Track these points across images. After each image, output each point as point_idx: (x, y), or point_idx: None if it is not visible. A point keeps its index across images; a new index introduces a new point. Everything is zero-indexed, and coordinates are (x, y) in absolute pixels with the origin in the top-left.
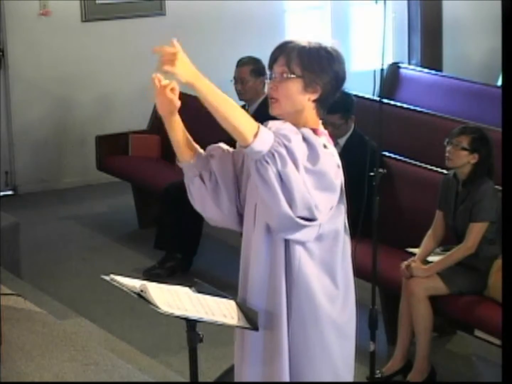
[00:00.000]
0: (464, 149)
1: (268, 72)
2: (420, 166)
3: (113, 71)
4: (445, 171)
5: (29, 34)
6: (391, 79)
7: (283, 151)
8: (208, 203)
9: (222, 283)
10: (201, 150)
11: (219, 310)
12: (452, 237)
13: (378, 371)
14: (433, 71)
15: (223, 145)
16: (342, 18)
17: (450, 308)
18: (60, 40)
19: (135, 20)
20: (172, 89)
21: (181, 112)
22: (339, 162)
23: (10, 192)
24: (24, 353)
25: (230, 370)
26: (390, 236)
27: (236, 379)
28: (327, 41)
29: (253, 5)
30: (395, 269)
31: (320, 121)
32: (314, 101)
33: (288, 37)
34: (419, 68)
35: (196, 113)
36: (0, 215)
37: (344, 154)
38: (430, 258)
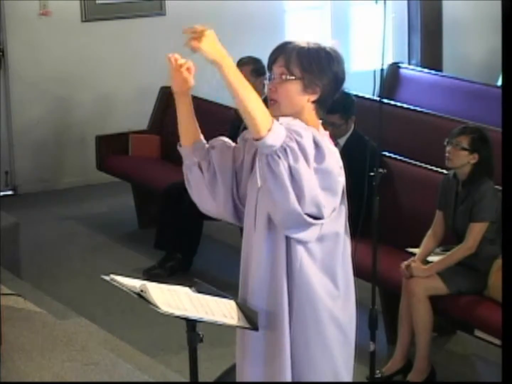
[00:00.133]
0: (464, 149)
1: (267, 73)
2: (420, 166)
3: (113, 71)
4: (445, 171)
5: (29, 34)
6: (391, 79)
7: (295, 146)
8: (204, 193)
9: (222, 283)
10: (204, 140)
11: (219, 310)
12: (452, 237)
13: (378, 371)
14: (433, 71)
15: (225, 139)
16: (342, 18)
17: (450, 308)
18: (60, 40)
19: (135, 20)
20: (188, 69)
21: None
22: (341, 163)
23: (10, 192)
24: (24, 353)
25: (230, 370)
26: (390, 236)
27: (238, 379)
28: (327, 41)
29: (253, 5)
30: (395, 269)
31: (320, 122)
32: (314, 102)
33: (288, 37)
34: (419, 68)
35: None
36: (0, 215)
37: (344, 154)
38: (430, 258)
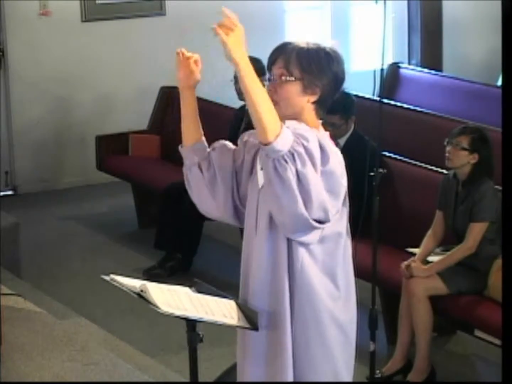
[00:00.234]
0: (464, 149)
1: (267, 74)
2: (420, 166)
3: (113, 71)
4: (445, 171)
5: (29, 34)
6: (391, 79)
7: (302, 151)
8: (204, 192)
9: (222, 283)
10: (205, 142)
11: (219, 310)
12: (452, 237)
13: (378, 371)
14: (433, 71)
15: (226, 142)
16: (342, 18)
17: (450, 308)
18: (60, 40)
19: (135, 20)
20: (195, 61)
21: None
22: (343, 163)
23: (10, 192)
24: (24, 353)
25: (230, 370)
26: (390, 236)
27: (238, 379)
28: (327, 41)
29: (253, 5)
30: (395, 269)
31: (320, 123)
32: (314, 102)
33: (288, 37)
34: (419, 68)
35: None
36: (0, 215)
37: (344, 154)
38: (430, 258)
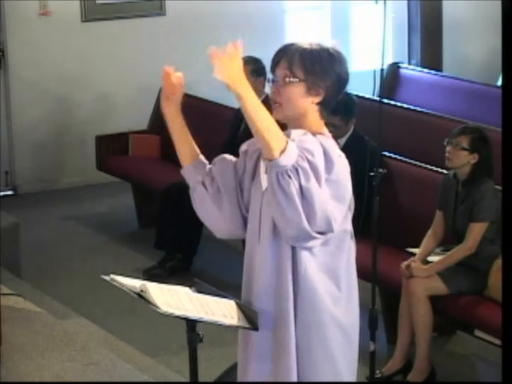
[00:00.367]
0: (464, 149)
1: (270, 75)
2: (420, 166)
3: (113, 71)
4: (445, 171)
5: (29, 34)
6: (391, 79)
7: (307, 166)
8: (210, 208)
9: (222, 283)
10: (203, 158)
11: (219, 310)
12: (452, 237)
13: (378, 371)
14: (433, 71)
15: (224, 155)
16: (342, 18)
17: (450, 308)
18: (60, 40)
19: (135, 20)
20: (177, 77)
21: (186, 114)
22: (348, 167)
23: (10, 192)
24: (24, 353)
25: (230, 370)
26: (390, 236)
27: (240, 378)
28: (327, 41)
29: (253, 5)
30: (395, 269)
31: (323, 124)
32: (317, 104)
33: (288, 37)
34: (419, 68)
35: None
36: (0, 215)
37: (344, 155)
38: (430, 258)
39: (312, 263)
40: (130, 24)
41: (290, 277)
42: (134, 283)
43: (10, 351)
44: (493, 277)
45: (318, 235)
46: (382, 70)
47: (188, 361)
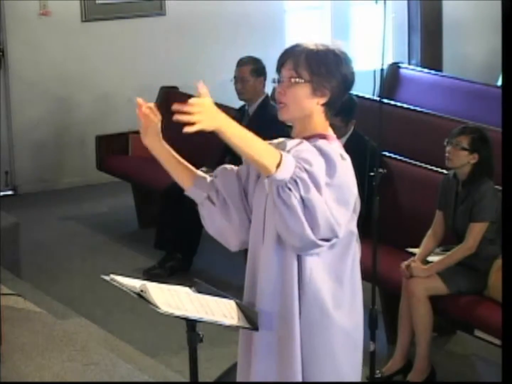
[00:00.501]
0: (464, 149)
1: (276, 75)
2: (420, 166)
3: (113, 71)
4: (445, 171)
5: (29, 34)
6: (391, 79)
7: (305, 176)
8: (218, 220)
9: (222, 283)
10: (201, 173)
11: (219, 310)
12: (452, 237)
13: (378, 371)
14: (433, 71)
15: (224, 165)
16: (342, 18)
17: (450, 308)
18: (60, 40)
19: (135, 20)
20: (148, 107)
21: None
22: (352, 170)
23: (10, 192)
24: (24, 353)
25: (230, 370)
26: (390, 236)
27: (239, 378)
28: (333, 42)
29: (253, 5)
30: (395, 269)
31: (328, 124)
32: (323, 105)
33: (288, 37)
34: (419, 68)
35: None
36: (0, 215)
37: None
38: (430, 258)
39: (317, 264)
40: (130, 24)
41: (295, 278)
42: (134, 283)
43: (10, 351)
44: (493, 277)
45: (323, 242)
46: (382, 70)
47: (188, 361)
